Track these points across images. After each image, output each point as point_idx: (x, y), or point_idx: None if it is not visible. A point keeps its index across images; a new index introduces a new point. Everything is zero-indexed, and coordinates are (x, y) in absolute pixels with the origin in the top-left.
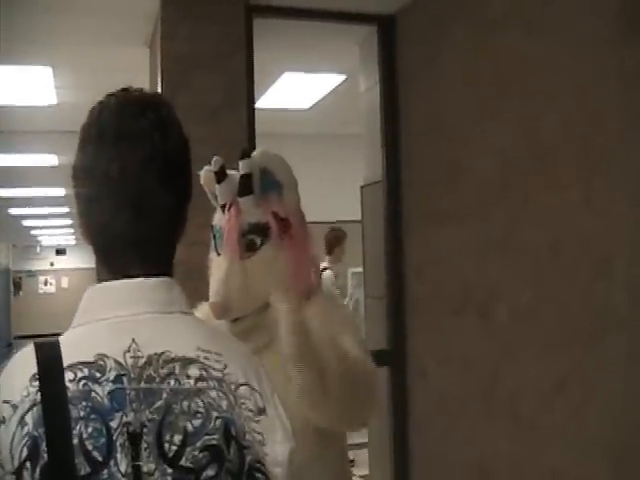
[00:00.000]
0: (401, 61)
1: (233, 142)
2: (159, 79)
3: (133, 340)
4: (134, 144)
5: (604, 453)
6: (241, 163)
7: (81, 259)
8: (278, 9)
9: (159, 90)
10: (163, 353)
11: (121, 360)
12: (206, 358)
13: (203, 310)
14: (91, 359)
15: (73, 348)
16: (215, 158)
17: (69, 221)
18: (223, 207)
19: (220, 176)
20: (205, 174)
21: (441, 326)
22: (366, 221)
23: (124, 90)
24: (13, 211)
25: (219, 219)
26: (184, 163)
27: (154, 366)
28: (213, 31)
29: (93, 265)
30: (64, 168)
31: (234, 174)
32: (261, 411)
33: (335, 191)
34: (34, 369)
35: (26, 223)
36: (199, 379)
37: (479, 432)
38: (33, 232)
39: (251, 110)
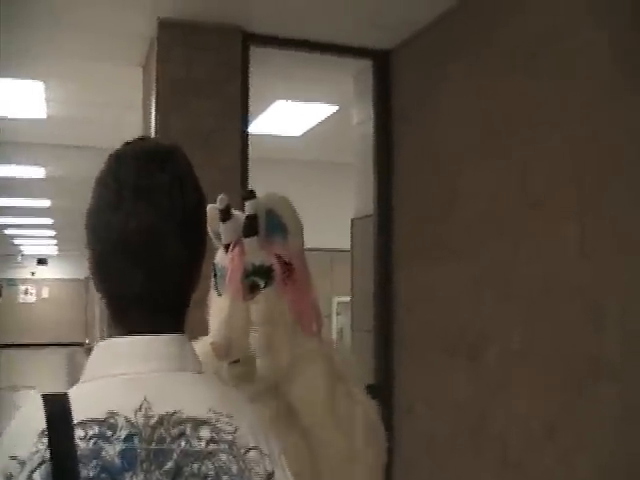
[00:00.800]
0: (396, 96)
1: (226, 167)
2: (153, 101)
3: (145, 398)
4: (152, 200)
5: None
6: (247, 204)
7: (62, 270)
8: (274, 39)
9: (153, 113)
10: (175, 413)
11: (132, 419)
12: (217, 420)
13: (203, 346)
14: (102, 416)
15: (83, 403)
16: (221, 197)
17: (52, 232)
18: (226, 246)
19: (225, 215)
20: (210, 212)
21: (429, 364)
22: (356, 254)
23: (141, 139)
24: None
25: (221, 258)
26: (201, 219)
27: (165, 426)
28: (209, 57)
29: (74, 276)
30: (50, 180)
31: (238, 214)
32: (270, 475)
33: (324, 218)
34: (43, 424)
35: (8, 232)
36: (210, 441)
37: (466, 474)
38: (15, 241)
39: (245, 136)
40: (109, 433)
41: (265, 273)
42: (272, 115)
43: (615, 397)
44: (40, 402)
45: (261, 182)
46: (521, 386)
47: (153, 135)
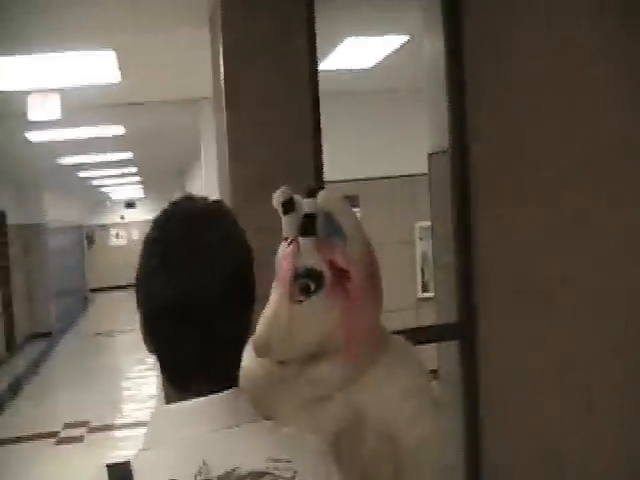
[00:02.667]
0: (467, 31)
1: (297, 124)
2: (221, 61)
3: (203, 462)
4: (201, 263)
5: None
6: (306, 202)
7: (150, 211)
8: None
9: (221, 73)
10: (234, 470)
11: None
12: (276, 468)
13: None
14: None
15: (145, 474)
16: (283, 189)
17: (137, 178)
18: (286, 240)
19: (287, 208)
20: (274, 201)
21: (509, 304)
22: (434, 188)
23: (188, 199)
24: (82, 174)
25: (281, 252)
26: (250, 274)
27: None
28: (274, 12)
29: None
30: (129, 136)
31: (304, 203)
32: None
33: (402, 145)
34: None
35: (95, 182)
36: None
37: (550, 416)
38: (103, 189)
39: (315, 90)
40: None
41: (316, 277)
42: (342, 52)
43: None
44: (105, 475)
45: (334, 116)
46: (600, 334)
47: (224, 94)
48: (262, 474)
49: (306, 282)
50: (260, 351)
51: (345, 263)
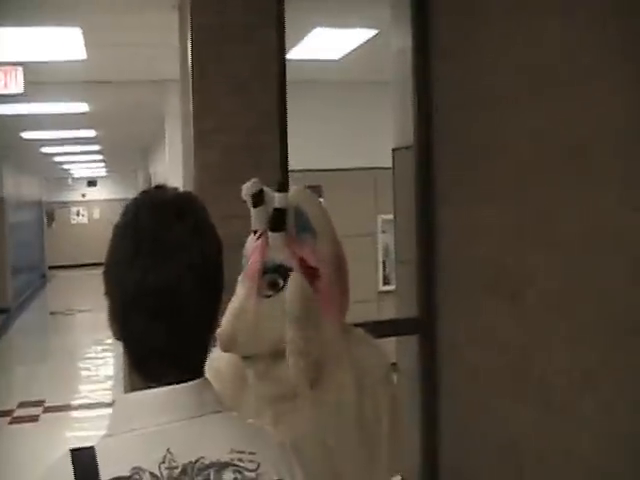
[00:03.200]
0: (435, 26)
1: (264, 112)
2: (189, 47)
3: (168, 450)
4: (171, 253)
5: (633, 449)
6: (277, 196)
7: (112, 190)
8: None
9: (189, 58)
10: (198, 460)
11: (157, 472)
12: (240, 460)
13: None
14: (127, 473)
15: (109, 460)
16: (253, 181)
17: (100, 156)
18: (255, 233)
19: (256, 200)
20: (244, 192)
21: (471, 301)
22: (397, 184)
23: (159, 187)
24: (45, 150)
25: (250, 244)
26: (219, 265)
27: (189, 475)
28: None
29: (124, 196)
30: (93, 113)
31: (274, 196)
32: None
33: (366, 138)
34: None
35: (58, 159)
36: None
37: (509, 412)
38: (65, 166)
39: (282, 80)
40: None
41: (285, 273)
42: (310, 42)
43: None
44: (69, 459)
45: (300, 105)
46: (561, 332)
47: (191, 80)
48: (226, 465)
49: (274, 277)
50: (225, 345)
51: (315, 261)
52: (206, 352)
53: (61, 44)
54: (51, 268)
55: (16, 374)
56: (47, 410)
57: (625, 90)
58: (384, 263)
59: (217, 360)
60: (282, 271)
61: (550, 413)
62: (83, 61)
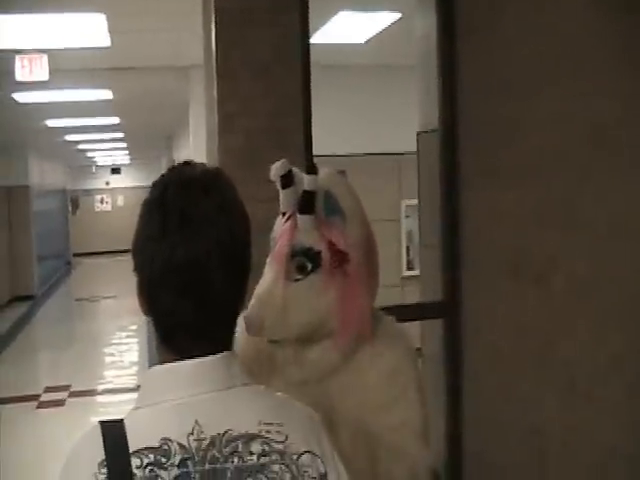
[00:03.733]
0: (460, 8)
1: (288, 95)
2: (213, 31)
3: (196, 422)
4: (199, 229)
5: None
6: (306, 178)
7: (136, 177)
8: None
9: (213, 43)
10: (226, 432)
11: (185, 443)
12: (268, 432)
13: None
14: (156, 444)
15: (138, 432)
16: (282, 161)
17: (123, 144)
18: (284, 215)
19: (286, 181)
20: (272, 172)
21: (495, 285)
22: (422, 166)
23: (187, 164)
24: (69, 137)
25: (278, 227)
26: (247, 243)
27: (217, 447)
28: None
29: (148, 183)
30: (117, 100)
31: (303, 178)
32: (323, 477)
33: (391, 123)
34: (101, 454)
35: (81, 146)
36: (262, 454)
37: (533, 397)
38: (88, 154)
39: (306, 63)
40: (163, 460)
41: (313, 257)
42: (335, 25)
43: None
44: (99, 431)
45: (325, 90)
46: (586, 317)
47: (215, 64)
48: (254, 436)
49: (303, 261)
50: (252, 329)
51: (344, 245)
52: (233, 328)
53: (85, 31)
54: (76, 255)
55: (42, 360)
56: (73, 395)
57: None
58: (408, 248)
59: (239, 342)
60: (311, 254)
61: (575, 398)
62: (107, 48)
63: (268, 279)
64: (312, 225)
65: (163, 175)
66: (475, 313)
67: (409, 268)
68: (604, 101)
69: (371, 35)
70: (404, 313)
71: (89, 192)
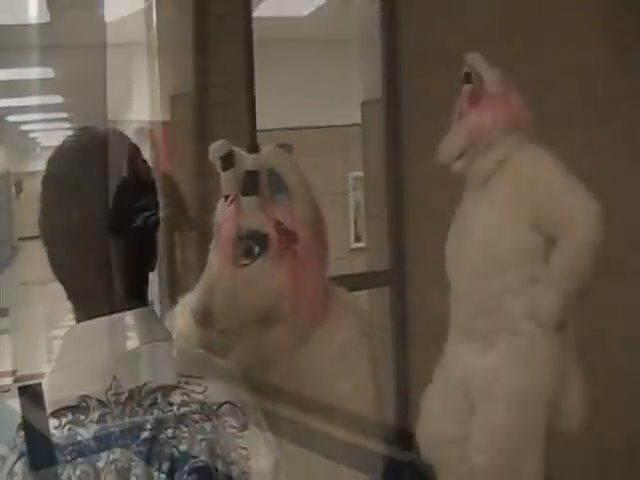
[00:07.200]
0: None
1: (231, 68)
2: (154, 7)
3: (114, 377)
4: (86, 194)
5: None
6: (249, 157)
7: None
8: None
9: (154, 20)
10: (145, 385)
11: (104, 399)
12: (187, 383)
13: (184, 307)
14: (74, 402)
15: (56, 392)
16: (221, 141)
17: (67, 124)
18: (227, 197)
19: (226, 163)
20: (211, 153)
21: (440, 254)
22: (366, 137)
23: (84, 129)
24: (11, 118)
25: (221, 211)
26: (150, 194)
27: (137, 399)
28: None
29: None
30: (59, 79)
31: (245, 157)
32: (243, 426)
33: (335, 96)
34: (19, 418)
35: (24, 127)
36: (181, 405)
37: None
38: (31, 135)
39: (249, 36)
40: (82, 417)
41: (261, 240)
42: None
43: None
44: (15, 396)
45: (268, 63)
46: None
47: (157, 39)
48: (173, 388)
49: (250, 244)
50: (201, 320)
51: (292, 224)
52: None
53: (23, 4)
54: (22, 239)
55: None
56: (19, 380)
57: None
58: (355, 220)
59: (188, 336)
60: (258, 237)
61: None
62: (46, 24)
63: (214, 266)
64: (257, 206)
65: (58, 145)
66: (421, 281)
67: (357, 240)
68: (548, 60)
69: (313, 9)
70: (351, 282)
71: (35, 174)
